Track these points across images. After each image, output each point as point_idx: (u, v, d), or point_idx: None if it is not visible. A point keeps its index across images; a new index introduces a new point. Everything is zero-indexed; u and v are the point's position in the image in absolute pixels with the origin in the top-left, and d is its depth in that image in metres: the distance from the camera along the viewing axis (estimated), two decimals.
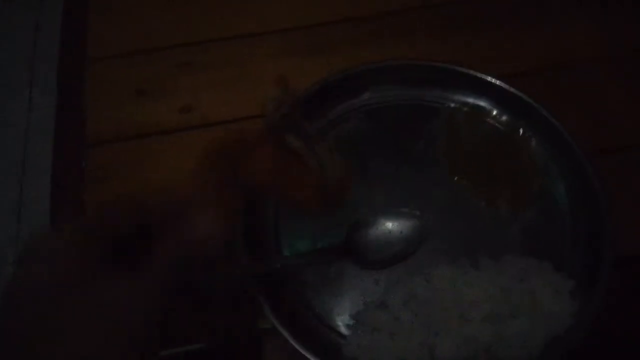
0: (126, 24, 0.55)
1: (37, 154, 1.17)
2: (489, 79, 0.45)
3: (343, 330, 0.38)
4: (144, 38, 0.54)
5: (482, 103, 0.46)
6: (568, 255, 0.40)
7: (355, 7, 0.55)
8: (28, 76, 1.29)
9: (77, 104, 0.51)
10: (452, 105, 0.46)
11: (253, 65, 0.52)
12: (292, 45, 0.53)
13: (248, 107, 0.49)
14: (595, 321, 0.36)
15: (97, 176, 0.46)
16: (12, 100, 1.26)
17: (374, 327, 0.37)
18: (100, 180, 0.46)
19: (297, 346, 0.35)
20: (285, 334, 0.35)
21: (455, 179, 0.43)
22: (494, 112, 0.46)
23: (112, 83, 0.52)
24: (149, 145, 0.48)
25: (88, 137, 0.48)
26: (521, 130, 0.45)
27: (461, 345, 0.35)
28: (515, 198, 0.43)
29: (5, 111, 1.25)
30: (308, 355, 0.35)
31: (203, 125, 0.49)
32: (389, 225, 0.40)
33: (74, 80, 0.53)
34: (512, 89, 0.45)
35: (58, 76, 0.55)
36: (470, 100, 0.46)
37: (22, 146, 1.20)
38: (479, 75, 0.46)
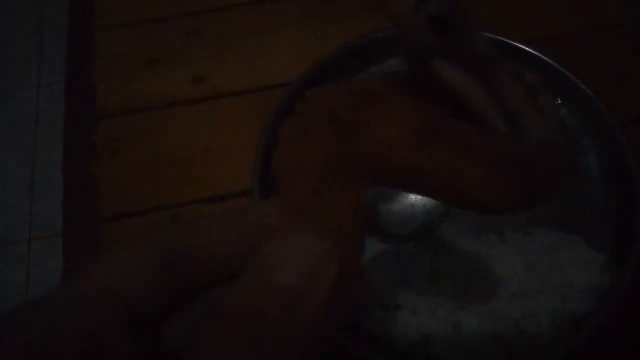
0: None
1: (48, 129, 1.16)
2: (515, 44, 0.43)
3: (366, 305, 0.37)
4: (153, 7, 0.52)
5: None
6: (598, 229, 0.38)
7: None
8: (37, 51, 1.28)
9: (87, 77, 0.49)
10: None
11: (267, 34, 0.50)
12: (309, 12, 0.51)
13: (262, 77, 0.47)
14: (627, 296, 0.34)
15: (108, 149, 0.45)
16: (21, 77, 1.25)
17: (397, 302, 0.35)
18: (111, 154, 0.45)
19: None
20: None
21: None
22: None
23: (121, 54, 0.50)
24: (161, 117, 0.46)
25: (98, 110, 0.47)
26: None
27: (487, 321, 0.34)
28: None
29: (15, 88, 1.24)
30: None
31: (216, 96, 0.47)
32: (412, 197, 0.39)
33: (83, 53, 0.51)
34: (539, 55, 0.43)
35: (67, 49, 0.54)
36: None
37: (33, 122, 1.20)
38: (505, 40, 0.43)
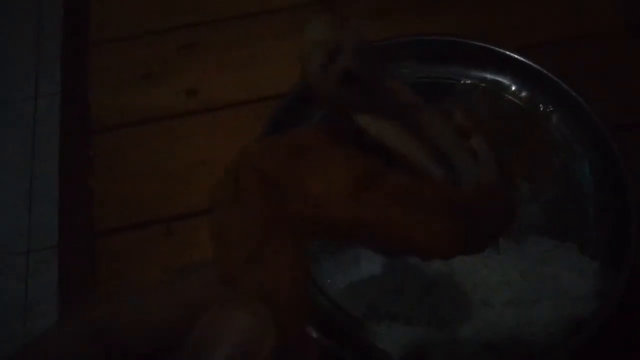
0: (128, 5, 0.54)
1: (46, 140, 1.16)
2: (506, 52, 0.43)
3: (359, 316, 0.37)
4: (147, 20, 0.53)
5: (500, 78, 0.44)
6: (592, 236, 0.39)
7: None
8: (34, 62, 1.28)
9: (82, 90, 0.50)
10: (469, 81, 0.45)
11: (261, 45, 0.50)
12: (302, 23, 0.51)
13: (257, 90, 0.48)
14: (621, 303, 0.35)
15: (103, 163, 0.45)
16: (18, 88, 1.26)
17: (392, 313, 0.35)
18: (106, 167, 0.45)
19: (312, 331, 0.34)
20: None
21: None
22: (513, 88, 0.44)
23: (115, 67, 0.50)
24: (156, 130, 0.47)
25: (93, 124, 0.47)
26: (541, 106, 0.43)
27: (483, 330, 0.34)
28: (536, 177, 0.41)
29: (12, 99, 1.25)
30: (323, 341, 0.34)
31: (211, 108, 0.47)
32: None
33: (78, 66, 0.51)
34: (531, 63, 0.43)
35: (62, 63, 0.54)
36: (488, 75, 0.45)
37: (30, 135, 1.20)
38: (496, 48, 0.43)
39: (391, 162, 0.18)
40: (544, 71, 0.42)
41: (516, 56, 0.43)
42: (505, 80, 0.44)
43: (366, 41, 0.17)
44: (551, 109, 0.43)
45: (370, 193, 0.17)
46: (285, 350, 0.15)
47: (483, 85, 0.44)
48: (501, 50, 0.44)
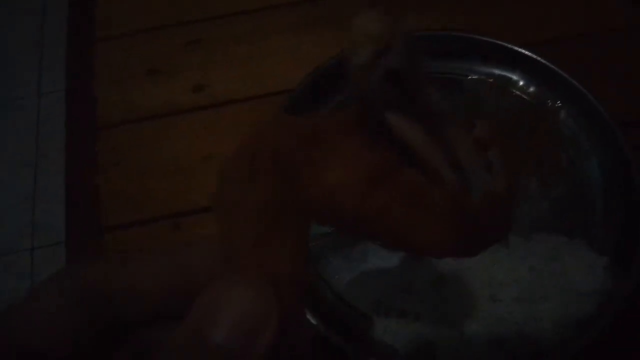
0: (133, 2, 0.54)
1: (49, 138, 1.16)
2: (515, 48, 0.43)
3: (368, 312, 0.37)
4: (152, 16, 0.53)
5: (508, 74, 0.44)
6: (600, 232, 0.38)
7: None
8: (36, 61, 1.28)
9: (88, 86, 0.50)
10: (476, 77, 0.44)
11: (266, 41, 0.50)
12: (306, 19, 0.51)
13: (263, 84, 0.48)
14: (630, 300, 0.34)
15: (109, 159, 0.45)
16: (21, 86, 1.26)
17: (400, 309, 0.35)
18: (113, 163, 0.45)
19: (321, 328, 0.34)
20: (308, 315, 0.34)
21: None
22: (521, 83, 0.44)
23: (121, 64, 0.50)
24: (161, 126, 0.46)
25: (99, 120, 0.47)
26: (549, 102, 0.43)
27: (491, 326, 0.34)
28: (544, 173, 0.41)
29: (16, 97, 1.25)
30: (332, 337, 0.34)
31: (217, 104, 0.47)
32: None
33: (84, 62, 0.51)
34: (539, 58, 0.43)
35: (67, 59, 0.54)
36: (496, 71, 0.44)
37: (34, 132, 1.20)
38: (505, 44, 0.43)
39: (404, 159, 0.18)
40: (553, 67, 0.42)
41: (524, 52, 0.43)
42: (513, 76, 0.44)
43: (415, 41, 0.17)
44: (559, 104, 0.43)
45: (382, 189, 0.17)
46: (286, 329, 0.15)
47: (491, 80, 0.44)
48: (509, 46, 0.43)
